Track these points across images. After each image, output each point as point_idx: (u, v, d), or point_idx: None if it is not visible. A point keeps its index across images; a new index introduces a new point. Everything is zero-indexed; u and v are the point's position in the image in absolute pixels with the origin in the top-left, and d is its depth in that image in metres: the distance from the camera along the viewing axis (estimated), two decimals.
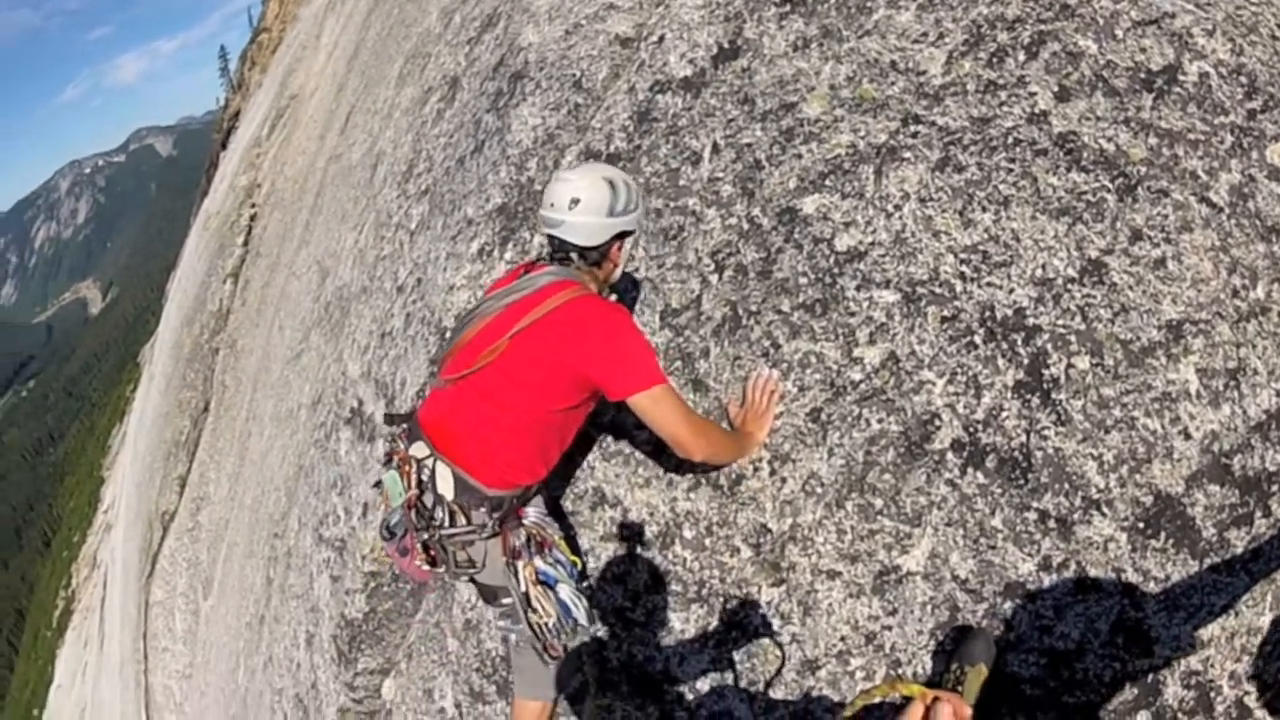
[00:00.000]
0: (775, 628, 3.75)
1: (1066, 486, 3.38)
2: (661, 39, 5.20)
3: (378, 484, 3.86)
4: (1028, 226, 3.75)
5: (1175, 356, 3.46)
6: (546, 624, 3.62)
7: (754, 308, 4.15)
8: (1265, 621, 3.35)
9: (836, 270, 3.99)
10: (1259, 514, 3.34)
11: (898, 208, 3.99)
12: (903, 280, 3.85)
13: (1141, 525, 3.32)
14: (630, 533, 4.26)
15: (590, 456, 4.52)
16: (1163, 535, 3.31)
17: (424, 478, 3.54)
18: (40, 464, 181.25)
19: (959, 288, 3.75)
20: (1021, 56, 4.10)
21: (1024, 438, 3.47)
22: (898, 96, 4.25)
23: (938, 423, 3.61)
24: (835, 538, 3.68)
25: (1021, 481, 3.43)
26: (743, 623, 3.84)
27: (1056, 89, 3.98)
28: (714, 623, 3.93)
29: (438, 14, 10.24)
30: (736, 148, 4.55)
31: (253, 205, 26.51)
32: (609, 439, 4.46)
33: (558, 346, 3.40)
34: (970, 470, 3.52)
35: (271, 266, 19.38)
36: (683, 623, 4.01)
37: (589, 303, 3.49)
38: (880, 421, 3.71)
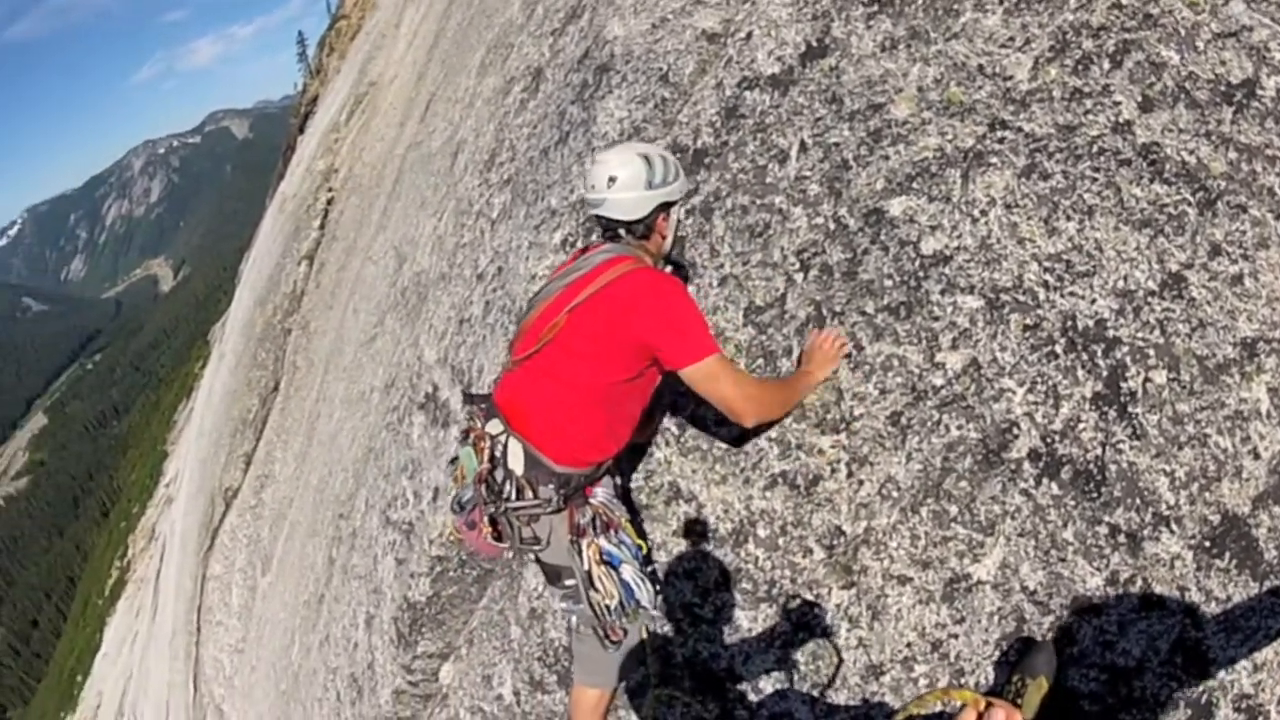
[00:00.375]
0: (843, 631, 3.76)
1: (1138, 502, 3.36)
2: (749, 35, 5.22)
3: (454, 460, 3.91)
4: (1111, 237, 3.74)
5: (1249, 374, 3.44)
6: (609, 605, 3.64)
7: (838, 308, 4.16)
8: None
9: (921, 274, 4.00)
10: None
11: (984, 213, 3.98)
12: (987, 286, 3.85)
13: (1208, 544, 3.29)
14: (703, 529, 4.29)
15: (667, 451, 4.55)
16: (1227, 555, 3.28)
17: (496, 453, 3.62)
18: (103, 436, 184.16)
19: (1042, 296, 3.74)
20: (1106, 65, 4.09)
21: (1100, 450, 3.46)
22: (985, 101, 4.25)
23: (1016, 431, 3.61)
24: (909, 543, 3.68)
25: (1095, 495, 3.42)
26: (810, 624, 3.84)
27: (1140, 99, 3.97)
28: (781, 623, 3.94)
29: (520, 5, 10.30)
30: (824, 147, 4.56)
31: (330, 189, 26.79)
32: (688, 433, 4.50)
33: (613, 318, 3.51)
34: (1045, 481, 3.50)
35: (347, 250, 19.60)
36: (750, 621, 4.03)
37: (643, 274, 3.60)
38: (959, 428, 3.71)
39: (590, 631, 3.82)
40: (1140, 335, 3.55)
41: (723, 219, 4.78)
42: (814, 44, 4.88)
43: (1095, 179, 3.86)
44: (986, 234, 3.94)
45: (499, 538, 3.71)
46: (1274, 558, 3.27)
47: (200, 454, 33.44)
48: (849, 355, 4.04)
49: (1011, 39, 4.31)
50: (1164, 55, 4.00)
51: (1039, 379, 3.63)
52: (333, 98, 38.25)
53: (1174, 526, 3.31)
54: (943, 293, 3.92)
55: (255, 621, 16.28)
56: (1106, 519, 3.38)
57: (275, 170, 57.34)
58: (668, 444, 4.56)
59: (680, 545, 4.37)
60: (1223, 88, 3.88)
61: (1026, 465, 3.55)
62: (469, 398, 3.98)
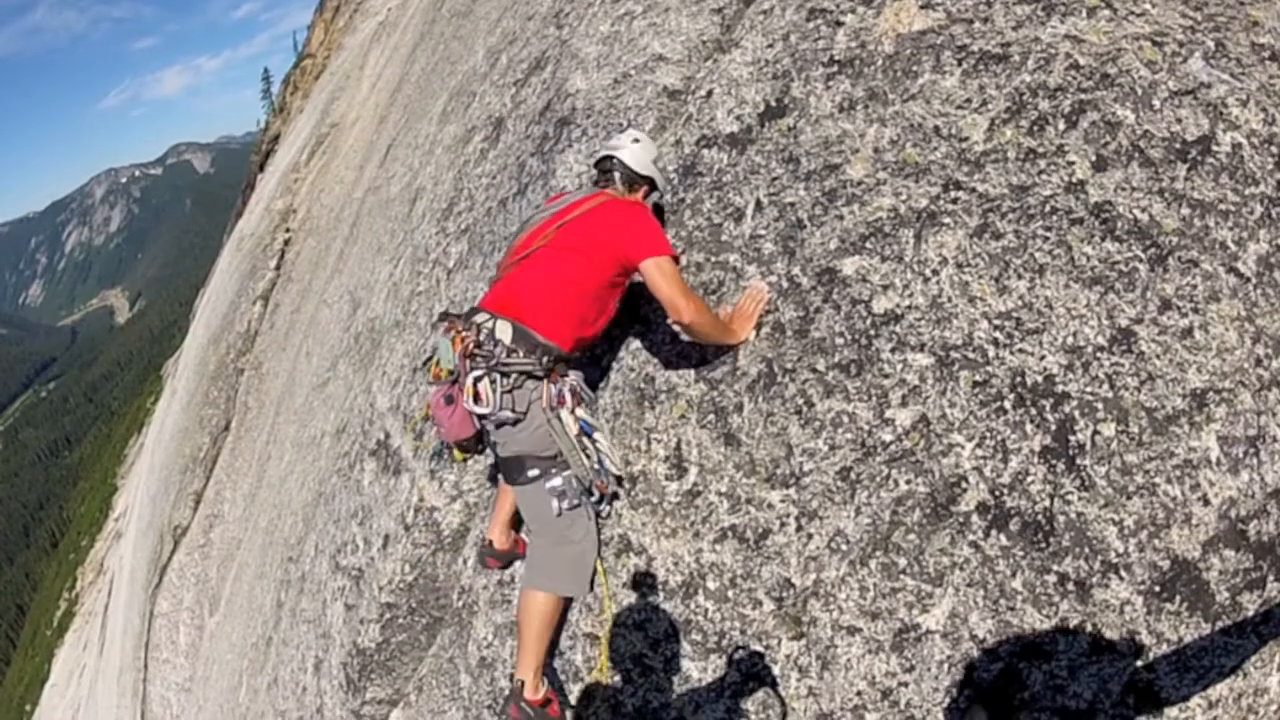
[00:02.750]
0: (793, 680, 3.78)
1: (1087, 550, 3.41)
2: (710, 93, 5.28)
3: (427, 360, 4.41)
4: (1061, 294, 3.79)
5: (1198, 424, 3.49)
6: (593, 469, 4.22)
7: (789, 365, 4.20)
8: (1273, 682, 3.36)
9: (873, 332, 4.04)
10: (1271, 578, 3.36)
11: (935, 272, 4.03)
12: (937, 344, 3.89)
13: (1158, 589, 3.34)
14: (653, 581, 4.30)
15: (618, 504, 4.57)
16: (1178, 599, 3.33)
17: (483, 334, 4.10)
18: (54, 465, 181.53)
19: (992, 353, 3.78)
20: (1062, 125, 4.13)
21: (1048, 502, 3.50)
22: (939, 161, 4.29)
23: (964, 485, 3.65)
24: (858, 594, 3.72)
25: (1043, 545, 3.46)
26: (760, 674, 3.87)
27: (1094, 158, 4.01)
28: (731, 673, 3.96)
29: (484, 53, 10.37)
30: (779, 206, 4.61)
31: (287, 230, 26.70)
32: (638, 487, 4.51)
33: (597, 228, 4.25)
34: (994, 532, 3.55)
35: (302, 292, 19.53)
36: (700, 672, 4.05)
37: (621, 200, 4.45)
38: (908, 482, 3.75)
39: (543, 536, 4.38)
40: (1089, 390, 3.60)
41: None
42: (773, 103, 4.93)
43: (1047, 238, 3.91)
44: (938, 293, 3.98)
45: (478, 399, 4.03)
46: (1226, 599, 3.33)
47: (150, 490, 33.06)
48: (799, 413, 4.09)
49: (969, 100, 4.36)
50: (1119, 114, 4.05)
51: (988, 434, 3.67)
52: (294, 137, 38.17)
53: (1123, 573, 3.36)
54: (893, 350, 3.96)
55: (203, 661, 16.06)
56: (1055, 568, 3.42)
57: (234, 207, 57.00)
58: (618, 497, 4.56)
59: (630, 597, 4.38)
60: (1177, 145, 3.93)
61: (975, 518, 3.59)
62: (444, 315, 4.41)
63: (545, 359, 4.10)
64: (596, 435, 4.24)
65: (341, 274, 14.51)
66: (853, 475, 3.87)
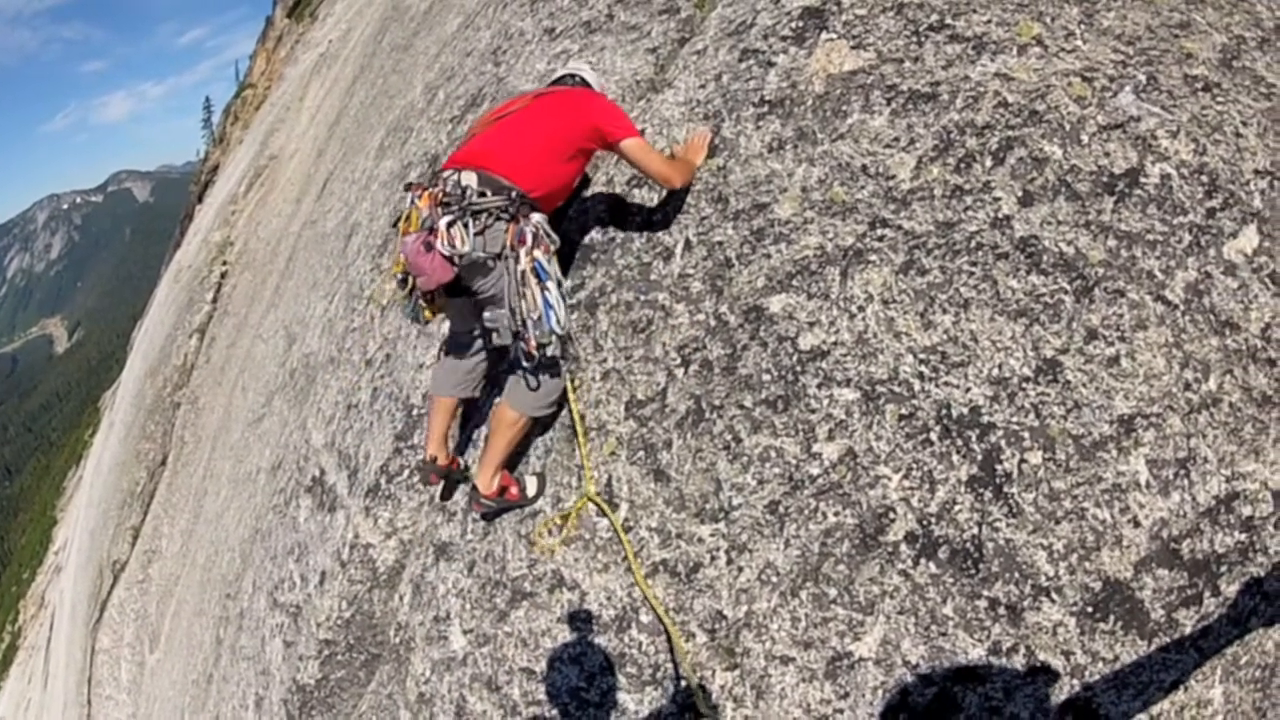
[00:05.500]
0: (728, 710, 3.79)
1: (1017, 575, 3.47)
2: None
3: (396, 221, 4.50)
4: (986, 328, 3.86)
5: (1126, 449, 3.57)
6: (533, 317, 4.23)
7: (717, 402, 4.24)
8: (1216, 694, 3.45)
9: (799, 368, 4.09)
10: (1208, 594, 3.44)
11: (861, 309, 4.09)
12: (863, 379, 3.95)
13: (1090, 610, 3.40)
14: (587, 616, 4.31)
15: (550, 540, 4.58)
16: (1111, 618, 3.40)
17: (449, 186, 4.27)
18: None
19: (917, 387, 3.85)
20: (989, 162, 4.20)
21: (976, 530, 3.56)
22: (866, 200, 4.35)
23: (892, 516, 3.71)
24: (790, 625, 3.75)
25: (973, 571, 3.52)
26: (695, 706, 3.86)
27: (1021, 194, 4.08)
28: (668, 705, 3.98)
29: (422, 88, 10.37)
30: (708, 245, 4.65)
31: (224, 263, 26.43)
32: (569, 524, 4.53)
33: (568, 104, 4.56)
34: (923, 561, 3.60)
35: (238, 326, 19.33)
36: (636, 704, 4.06)
37: (582, 88, 4.81)
38: (836, 514, 3.80)
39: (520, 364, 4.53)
40: (1015, 419, 3.67)
41: (607, 314, 4.87)
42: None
43: (972, 273, 3.98)
44: (863, 329, 4.05)
45: (453, 243, 4.14)
46: (1161, 616, 3.41)
47: (89, 524, 32.59)
48: (727, 448, 4.12)
49: (896, 139, 4.42)
50: (1047, 150, 4.12)
51: (914, 465, 3.74)
52: (233, 168, 37.87)
53: (1054, 596, 3.42)
54: (819, 386, 4.02)
55: (145, 698, 15.77)
56: (985, 593, 3.49)
57: (173, 238, 56.35)
58: (550, 534, 4.57)
59: (564, 632, 4.38)
60: (1105, 178, 4.00)
61: (904, 547, 3.65)
62: (409, 185, 4.52)
63: (512, 197, 4.25)
64: (549, 284, 4.29)
65: (277, 308, 14.40)
66: (781, 509, 3.92)
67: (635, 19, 6.25)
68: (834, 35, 4.84)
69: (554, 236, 4.41)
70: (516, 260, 4.23)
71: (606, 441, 4.56)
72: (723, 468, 4.11)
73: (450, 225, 4.15)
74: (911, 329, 3.97)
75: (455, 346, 5.07)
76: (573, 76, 4.94)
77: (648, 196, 5.11)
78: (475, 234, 4.16)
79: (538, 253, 4.26)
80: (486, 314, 4.40)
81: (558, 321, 4.27)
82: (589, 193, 5.50)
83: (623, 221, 5.14)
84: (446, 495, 5.59)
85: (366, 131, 13.04)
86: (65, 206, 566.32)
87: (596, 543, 4.40)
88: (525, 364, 4.44)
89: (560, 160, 4.49)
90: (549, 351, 4.35)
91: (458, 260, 4.18)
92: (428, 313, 4.67)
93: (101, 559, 25.37)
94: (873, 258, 4.19)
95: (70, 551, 45.37)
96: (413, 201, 4.36)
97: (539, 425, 5.02)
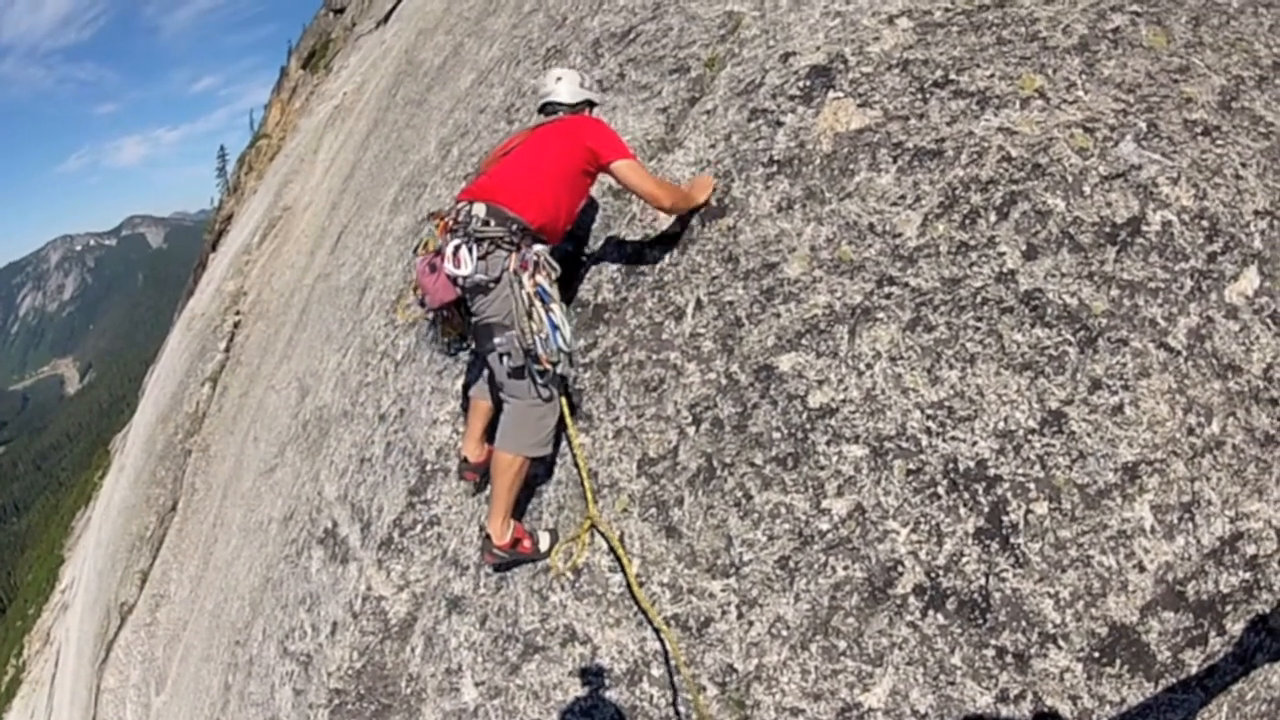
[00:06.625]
0: None
1: (1024, 624, 3.50)
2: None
3: (417, 246, 5.02)
4: (992, 382, 3.89)
5: (1130, 496, 3.58)
6: (540, 336, 4.48)
7: (728, 460, 4.29)
8: None
9: (808, 426, 4.14)
10: (1213, 634, 3.44)
11: (869, 366, 4.14)
12: (871, 436, 3.99)
13: (1097, 655, 3.42)
14: (599, 669, 4.34)
15: (562, 595, 4.62)
16: (1118, 662, 3.41)
17: (461, 215, 4.63)
18: (2, 531, 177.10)
19: (924, 442, 3.89)
20: (993, 217, 4.23)
21: (983, 580, 3.59)
22: (874, 258, 4.39)
23: (901, 569, 3.74)
24: (799, 677, 3.79)
25: (980, 621, 3.55)
26: None
27: (1025, 247, 4.11)
28: None
29: (436, 144, 10.49)
30: (719, 305, 4.71)
31: (237, 312, 26.60)
32: (583, 579, 4.56)
33: (563, 131, 4.89)
34: (931, 612, 3.64)
35: (251, 376, 19.42)
36: None
37: (578, 116, 5.11)
38: (846, 569, 3.84)
39: (516, 400, 4.77)
40: (1020, 471, 3.70)
41: (619, 373, 4.95)
42: (714, 203, 5.05)
43: (978, 328, 4.01)
44: (871, 386, 4.09)
45: (457, 264, 4.48)
46: (1168, 658, 3.41)
47: (97, 565, 32.60)
48: (738, 505, 4.16)
49: (903, 196, 4.45)
50: (1050, 203, 4.14)
51: (922, 519, 3.77)
52: (247, 218, 38.12)
53: (1061, 642, 3.44)
54: (829, 443, 4.06)
55: None
56: (993, 642, 3.51)
57: (186, 285, 56.59)
58: (563, 589, 4.62)
59: (576, 685, 4.42)
60: (1107, 229, 4.01)
61: (912, 599, 3.68)
62: (431, 215, 4.93)
63: (514, 229, 4.54)
64: (553, 305, 4.55)
65: (290, 360, 14.48)
66: (791, 564, 3.96)
67: (646, 78, 6.34)
68: (841, 94, 4.88)
69: (554, 264, 4.67)
70: (521, 285, 4.50)
71: (619, 499, 4.62)
72: (733, 524, 4.16)
73: (456, 250, 4.50)
74: (919, 385, 4.01)
75: (479, 360, 5.35)
76: (550, 104, 5.23)
77: (660, 255, 5.18)
78: (478, 258, 4.50)
79: (539, 278, 4.55)
80: (498, 339, 4.62)
81: (564, 339, 4.54)
82: (601, 253, 5.58)
83: (635, 282, 5.22)
84: (481, 488, 5.76)
85: (380, 186, 13.17)
86: (79, 248, 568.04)
87: (609, 598, 4.45)
88: (539, 379, 4.66)
89: (561, 187, 4.80)
90: (559, 370, 4.63)
91: (460, 281, 4.54)
92: (445, 331, 5.01)
93: (109, 600, 25.40)
94: (880, 315, 4.23)
95: (77, 590, 45.41)
96: (430, 230, 4.77)
97: (542, 466, 5.19)
